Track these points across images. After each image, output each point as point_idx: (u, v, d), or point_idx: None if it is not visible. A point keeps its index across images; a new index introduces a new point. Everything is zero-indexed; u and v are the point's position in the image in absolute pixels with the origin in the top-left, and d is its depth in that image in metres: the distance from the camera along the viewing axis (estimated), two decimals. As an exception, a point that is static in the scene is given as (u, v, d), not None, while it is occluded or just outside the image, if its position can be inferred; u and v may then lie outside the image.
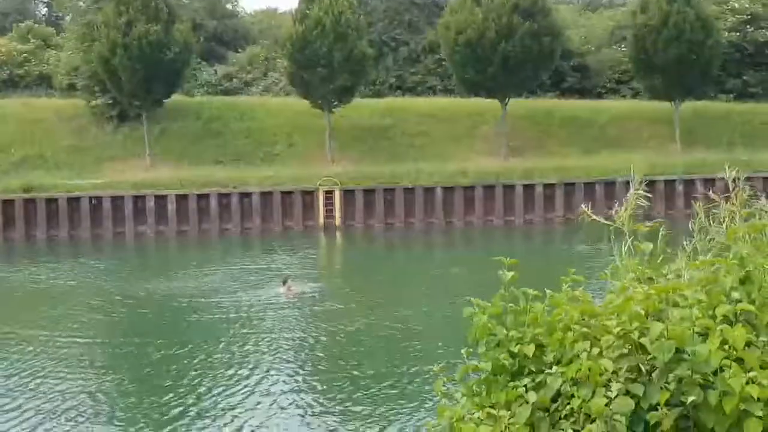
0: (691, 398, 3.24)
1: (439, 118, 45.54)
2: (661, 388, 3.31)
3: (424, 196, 38.45)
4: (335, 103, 43.06)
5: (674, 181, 38.52)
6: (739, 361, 3.24)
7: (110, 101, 44.11)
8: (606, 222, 4.22)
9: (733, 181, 4.71)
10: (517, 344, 3.80)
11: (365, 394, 13.80)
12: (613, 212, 4.19)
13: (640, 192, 4.27)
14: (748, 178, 5.14)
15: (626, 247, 4.33)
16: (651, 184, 38.71)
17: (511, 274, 3.92)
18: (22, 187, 37.07)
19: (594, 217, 4.22)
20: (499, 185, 38.54)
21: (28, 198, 36.88)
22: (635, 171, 4.68)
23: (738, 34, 50.02)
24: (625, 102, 49.46)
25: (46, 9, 78.21)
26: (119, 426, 12.64)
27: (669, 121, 44.66)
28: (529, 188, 38.60)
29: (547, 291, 3.94)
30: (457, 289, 21.44)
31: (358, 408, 13.18)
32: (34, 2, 78.02)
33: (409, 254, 33.39)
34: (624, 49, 48.87)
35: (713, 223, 4.91)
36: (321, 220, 37.88)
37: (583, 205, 4.33)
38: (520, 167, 39.77)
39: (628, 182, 4.50)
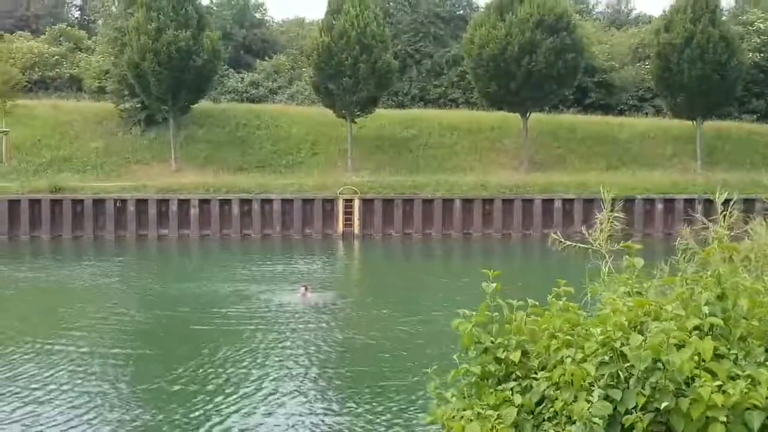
0: (664, 404, 3.49)
1: (461, 131, 45.64)
2: (638, 393, 3.55)
3: (443, 207, 38.61)
4: (358, 113, 43.41)
5: (694, 200, 38.35)
6: (711, 371, 3.48)
7: (138, 105, 44.73)
8: (582, 245, 4.47)
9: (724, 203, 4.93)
10: (503, 351, 4.05)
11: (370, 399, 14.08)
12: (587, 232, 4.42)
13: (613, 214, 4.51)
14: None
15: (607, 265, 4.55)
16: (670, 203, 38.71)
17: (494, 285, 4.19)
18: (50, 187, 37.70)
19: (566, 242, 4.46)
20: (518, 199, 38.64)
21: (55, 198, 37.52)
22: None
23: (762, 54, 49.77)
24: (647, 119, 49.28)
25: (78, 12, 79.25)
26: (127, 427, 12.92)
27: (691, 140, 44.44)
28: (547, 203, 38.65)
29: (529, 301, 4.20)
30: (472, 301, 21.55)
31: (362, 411, 13.46)
32: (67, 5, 79.04)
33: (427, 265, 33.49)
34: (647, 66, 48.73)
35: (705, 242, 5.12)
36: (340, 228, 38.19)
37: (552, 234, 4.57)
38: (540, 182, 39.77)
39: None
